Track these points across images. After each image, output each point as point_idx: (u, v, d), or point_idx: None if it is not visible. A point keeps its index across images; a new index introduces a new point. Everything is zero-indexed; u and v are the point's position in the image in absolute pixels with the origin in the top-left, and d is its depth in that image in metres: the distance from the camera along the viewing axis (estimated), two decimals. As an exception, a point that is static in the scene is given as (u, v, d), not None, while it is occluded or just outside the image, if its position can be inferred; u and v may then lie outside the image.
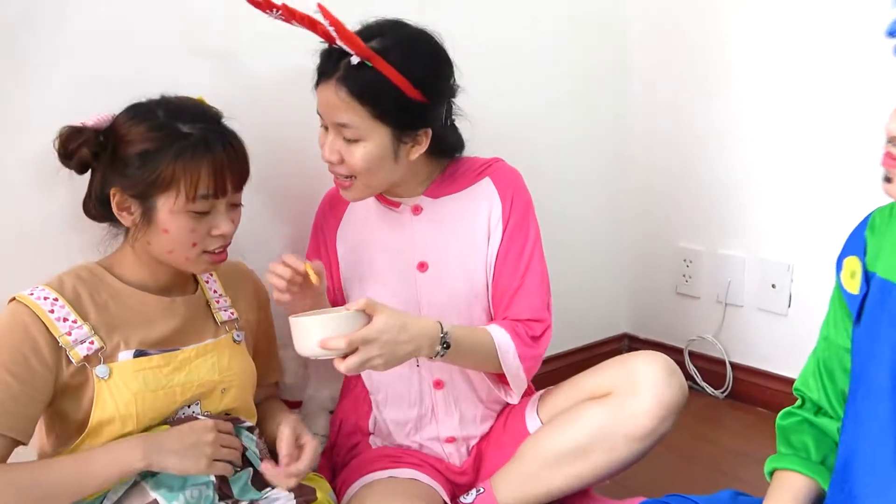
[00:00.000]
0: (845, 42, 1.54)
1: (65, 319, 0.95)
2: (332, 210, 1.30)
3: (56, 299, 0.96)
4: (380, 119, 1.07)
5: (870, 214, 0.93)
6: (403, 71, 1.06)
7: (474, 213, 1.22)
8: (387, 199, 1.23)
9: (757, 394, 1.83)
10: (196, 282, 1.13)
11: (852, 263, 0.93)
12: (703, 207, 1.89)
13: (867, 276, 0.90)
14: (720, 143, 1.82)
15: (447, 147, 1.21)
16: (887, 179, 0.83)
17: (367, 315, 1.01)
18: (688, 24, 1.84)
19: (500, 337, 1.15)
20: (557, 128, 1.87)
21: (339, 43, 1.04)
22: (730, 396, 1.89)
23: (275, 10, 1.06)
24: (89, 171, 1.03)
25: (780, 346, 1.77)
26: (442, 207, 1.22)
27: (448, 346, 1.07)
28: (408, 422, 1.27)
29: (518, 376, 1.18)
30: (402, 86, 1.06)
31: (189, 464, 0.93)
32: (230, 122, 1.04)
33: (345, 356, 0.99)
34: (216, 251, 1.03)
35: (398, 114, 1.08)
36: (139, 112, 0.99)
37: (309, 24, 1.06)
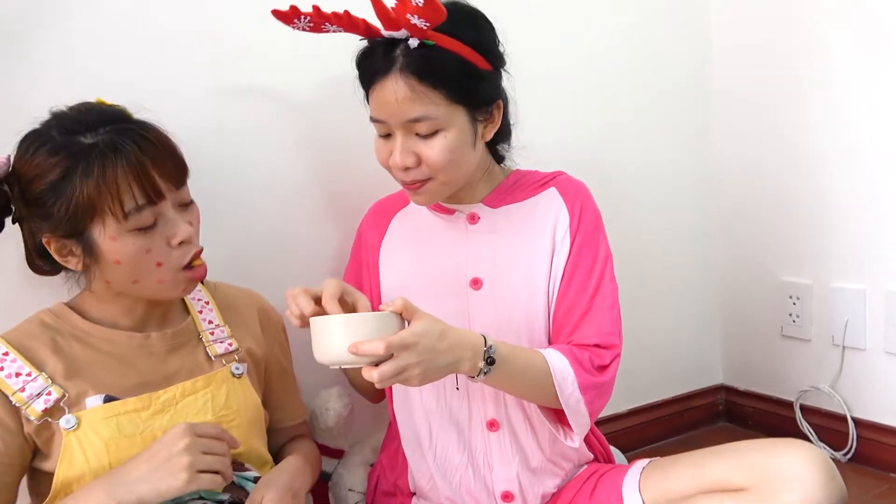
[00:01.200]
0: None
1: (17, 374, 0.85)
2: (376, 223, 1.18)
3: (6, 353, 0.86)
4: (457, 100, 0.97)
5: None
6: (466, 40, 0.95)
7: (538, 226, 1.08)
8: (441, 205, 1.11)
9: (888, 456, 1.53)
10: (187, 311, 1.01)
11: None
12: (809, 234, 1.64)
13: None
14: (825, 159, 1.59)
15: (508, 129, 1.10)
16: None
17: (402, 318, 0.86)
18: (780, 33, 1.65)
19: (557, 361, 0.98)
20: (631, 150, 1.70)
21: (387, 32, 0.94)
22: (854, 459, 1.59)
23: (302, 17, 0.96)
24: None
25: (916, 398, 1.48)
26: (501, 217, 1.09)
27: (493, 362, 0.91)
28: (456, 470, 1.09)
29: (578, 410, 0.99)
30: (469, 57, 0.96)
31: (165, 485, 0.78)
32: (143, 113, 0.90)
33: (376, 363, 0.82)
34: (192, 264, 0.90)
35: (473, 89, 0.98)
36: (33, 140, 0.85)
37: (347, 22, 0.95)
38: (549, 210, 1.08)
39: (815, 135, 1.60)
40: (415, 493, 1.14)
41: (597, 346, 1.02)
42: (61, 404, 0.86)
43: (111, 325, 0.93)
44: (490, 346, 0.92)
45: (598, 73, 1.63)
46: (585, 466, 1.13)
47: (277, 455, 1.07)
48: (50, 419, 0.85)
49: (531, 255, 1.07)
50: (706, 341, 1.88)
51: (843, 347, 1.60)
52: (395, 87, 0.94)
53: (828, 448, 1.63)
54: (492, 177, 1.11)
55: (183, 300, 1.02)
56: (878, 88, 1.48)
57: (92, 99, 0.93)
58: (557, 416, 1.04)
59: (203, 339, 0.98)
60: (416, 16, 0.90)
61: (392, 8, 0.92)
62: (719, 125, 1.80)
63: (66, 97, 0.91)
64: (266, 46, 1.21)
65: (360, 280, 1.17)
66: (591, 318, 1.03)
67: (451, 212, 1.10)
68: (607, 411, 1.69)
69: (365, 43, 1.00)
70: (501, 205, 1.10)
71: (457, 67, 0.95)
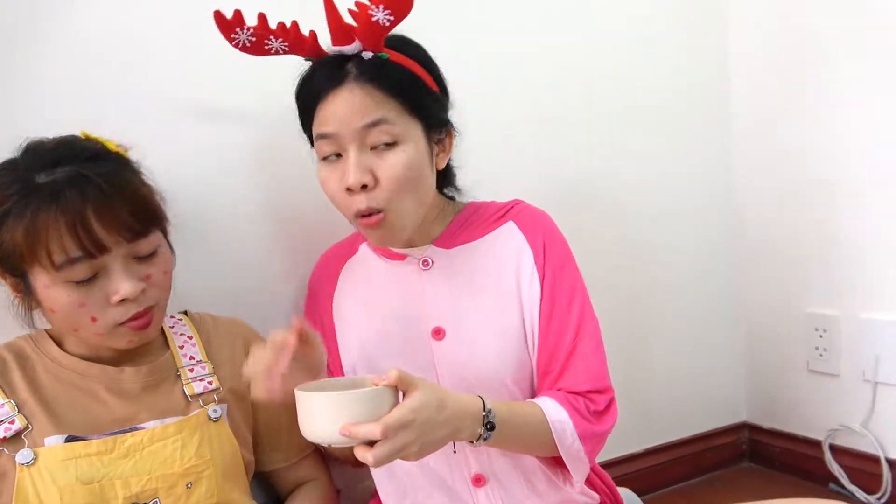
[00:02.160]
0: None
1: None
2: (324, 274, 1.09)
3: None
4: (413, 113, 0.91)
5: None
6: (416, 59, 0.93)
7: (498, 265, 1.00)
8: (391, 250, 1.03)
9: (929, 502, 1.42)
10: (167, 344, 0.95)
11: None
12: (836, 263, 1.56)
13: None
14: (852, 186, 1.51)
15: (452, 170, 1.05)
16: None
17: (397, 390, 0.79)
18: (803, 56, 1.59)
19: (555, 413, 0.92)
20: (653, 180, 1.63)
21: (335, 48, 0.90)
22: (891, 502, 1.48)
23: (245, 29, 0.90)
24: None
25: (957, 438, 1.38)
26: (457, 259, 1.00)
27: (493, 428, 0.85)
28: None
29: (579, 459, 0.93)
30: (420, 73, 0.93)
31: None
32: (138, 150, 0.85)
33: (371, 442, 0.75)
34: (132, 319, 0.84)
35: (428, 106, 0.94)
36: (1, 168, 0.82)
37: (294, 37, 0.91)
38: (509, 246, 1.00)
39: (840, 163, 1.53)
40: None
41: (589, 391, 0.95)
42: (23, 436, 0.80)
43: (89, 356, 0.87)
44: (489, 411, 0.85)
45: (622, 105, 1.58)
46: None
47: (290, 499, 1.00)
48: (7, 450, 0.79)
49: (496, 298, 0.98)
50: (728, 376, 1.78)
51: (875, 383, 1.50)
52: (351, 95, 0.88)
53: (861, 491, 1.52)
54: (444, 216, 1.03)
55: (163, 332, 0.96)
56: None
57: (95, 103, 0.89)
58: (555, 460, 0.96)
59: (181, 377, 0.92)
60: (381, 7, 0.85)
61: (355, 5, 0.87)
62: (741, 154, 1.73)
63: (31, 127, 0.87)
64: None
65: (336, 352, 1.06)
66: (577, 360, 0.96)
67: (401, 257, 1.02)
68: (621, 451, 1.61)
69: (302, 70, 0.95)
70: (455, 245, 1.01)
71: (411, 81, 0.92)
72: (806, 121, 1.59)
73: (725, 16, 1.72)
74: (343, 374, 1.04)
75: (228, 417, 0.94)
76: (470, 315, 0.98)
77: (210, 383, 0.93)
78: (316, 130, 0.92)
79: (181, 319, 1.00)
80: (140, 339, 0.86)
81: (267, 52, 0.93)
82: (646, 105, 1.62)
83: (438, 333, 0.98)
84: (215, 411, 0.91)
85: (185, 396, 0.91)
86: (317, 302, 1.09)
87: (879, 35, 1.44)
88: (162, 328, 0.97)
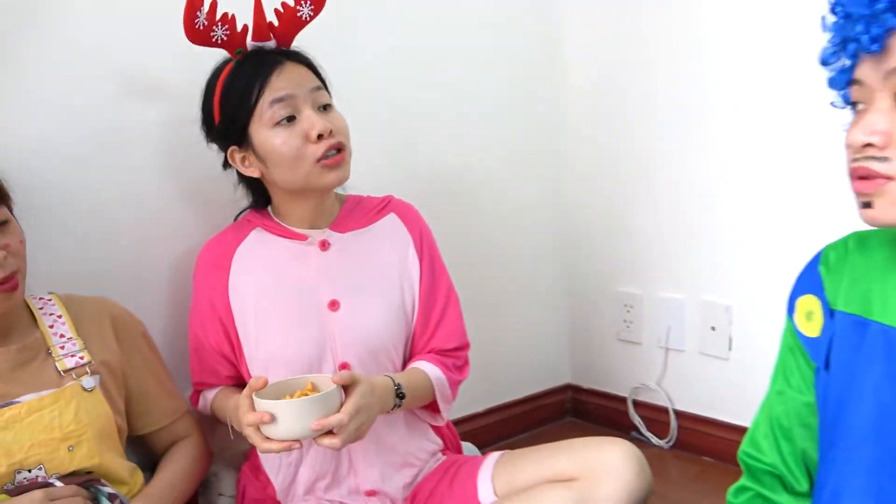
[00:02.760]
0: (785, 84, 1.56)
1: None
2: (214, 265, 1.19)
3: None
4: (326, 88, 1.16)
5: (820, 252, 0.88)
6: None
7: (386, 250, 1.21)
8: (293, 231, 1.18)
9: (702, 442, 1.77)
10: (36, 325, 1.01)
11: (809, 303, 0.86)
12: (641, 250, 1.87)
13: (831, 314, 0.83)
14: (654, 188, 1.82)
15: None
16: (866, 205, 0.73)
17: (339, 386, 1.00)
18: (626, 67, 1.86)
19: (433, 372, 1.17)
20: (492, 171, 1.86)
21: (254, 42, 1.12)
22: (675, 446, 1.83)
23: (202, 12, 1.05)
24: None
25: (723, 392, 1.73)
26: (350, 243, 1.20)
27: (403, 397, 1.09)
28: (325, 476, 1.17)
29: (449, 401, 1.21)
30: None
31: None
32: None
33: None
34: (1, 283, 0.91)
35: (328, 90, 1.17)
36: None
37: (232, 27, 1.10)
38: (395, 234, 1.22)
39: (646, 164, 1.83)
40: (281, 502, 1.20)
41: (455, 349, 1.21)
42: None
43: None
44: (398, 385, 1.08)
45: (469, 104, 1.78)
46: (442, 458, 1.26)
47: (163, 456, 1.10)
48: None
49: (383, 277, 1.19)
50: (555, 345, 2.06)
51: (667, 349, 1.83)
52: (296, 67, 1.10)
53: (654, 437, 1.86)
54: (336, 203, 1.22)
55: (32, 314, 1.02)
56: (698, 122, 1.72)
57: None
58: (430, 404, 1.20)
59: (52, 354, 0.99)
60: (308, 4, 1.11)
61: (281, 6, 1.11)
62: (571, 153, 1.99)
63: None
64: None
65: (224, 330, 1.17)
66: (446, 324, 1.22)
67: (303, 237, 1.17)
68: (467, 411, 1.83)
69: (218, 64, 1.13)
70: (348, 230, 1.20)
71: (317, 67, 1.15)
72: (626, 131, 1.87)
73: (559, 38, 1.95)
74: (242, 350, 1.16)
75: (101, 388, 1.01)
76: (361, 291, 1.17)
77: (82, 358, 1.00)
78: (271, 97, 1.08)
79: (50, 300, 1.06)
80: (9, 303, 0.92)
81: (209, 40, 1.08)
82: (492, 110, 1.83)
83: (334, 305, 1.15)
84: (89, 381, 0.99)
85: (58, 372, 0.98)
86: (211, 293, 1.18)
87: (691, 53, 1.73)
88: (31, 309, 1.03)
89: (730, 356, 1.71)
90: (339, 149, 1.10)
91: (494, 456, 1.22)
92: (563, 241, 2.03)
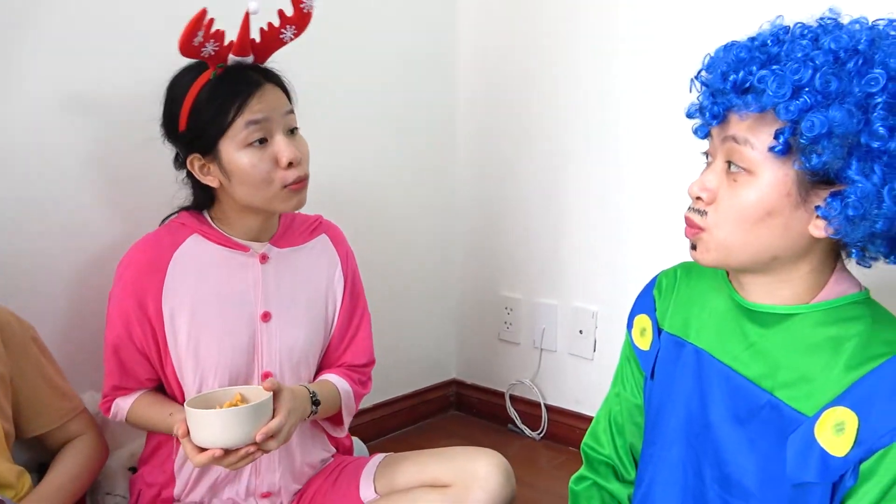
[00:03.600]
0: (656, 111, 1.70)
1: None
2: (150, 266, 1.17)
3: None
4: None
5: (656, 277, 1.03)
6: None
7: (317, 269, 1.28)
8: (235, 242, 1.21)
9: (569, 434, 1.93)
10: None
11: (643, 321, 1.01)
12: (520, 258, 2.01)
13: (659, 333, 0.98)
14: (533, 201, 1.96)
15: None
16: (693, 246, 0.86)
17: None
18: (514, 81, 1.98)
19: (343, 386, 1.26)
20: (389, 177, 1.94)
21: (236, 56, 1.11)
22: (545, 437, 1.99)
23: (205, 33, 1.05)
24: None
25: (588, 389, 1.91)
26: (287, 258, 1.25)
27: (318, 404, 1.16)
28: (231, 477, 1.22)
29: (353, 413, 1.29)
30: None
31: None
32: None
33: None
34: None
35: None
36: None
37: (222, 45, 1.09)
38: (325, 255, 1.30)
39: (524, 178, 1.97)
40: (178, 500, 1.23)
41: (364, 364, 1.31)
42: None
43: None
44: (314, 393, 1.16)
45: (367, 112, 1.84)
46: (332, 459, 1.35)
47: (52, 463, 1.11)
48: None
49: (312, 295, 1.27)
50: (443, 343, 2.18)
51: (541, 350, 2.00)
52: (274, 90, 1.13)
53: (528, 429, 2.03)
54: (275, 219, 1.26)
55: None
56: (569, 137, 1.86)
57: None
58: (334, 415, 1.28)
59: None
60: (290, 27, 1.12)
61: (267, 26, 1.11)
62: (461, 161, 2.10)
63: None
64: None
65: (153, 332, 1.16)
66: (358, 342, 1.31)
67: (245, 248, 1.21)
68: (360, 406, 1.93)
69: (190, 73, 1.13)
70: (286, 246, 1.26)
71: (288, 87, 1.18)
72: (508, 141, 2.00)
73: (454, 46, 2.07)
74: (168, 354, 1.17)
75: None
76: (292, 305, 1.24)
77: None
78: (248, 118, 1.09)
79: None
80: None
81: (198, 54, 1.07)
82: (385, 114, 1.90)
83: (266, 317, 1.21)
84: None
85: None
86: (142, 294, 1.15)
87: (568, 66, 1.88)
88: None
89: (594, 357, 1.89)
90: (304, 178, 1.16)
91: (378, 457, 1.32)
92: (452, 247, 2.14)
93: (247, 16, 1.07)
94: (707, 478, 0.89)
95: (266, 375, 1.20)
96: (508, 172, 2.02)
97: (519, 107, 1.97)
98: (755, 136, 0.76)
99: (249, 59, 1.13)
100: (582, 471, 1.07)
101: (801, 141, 0.73)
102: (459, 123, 2.10)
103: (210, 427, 0.97)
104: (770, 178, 0.76)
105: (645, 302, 1.02)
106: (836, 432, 0.76)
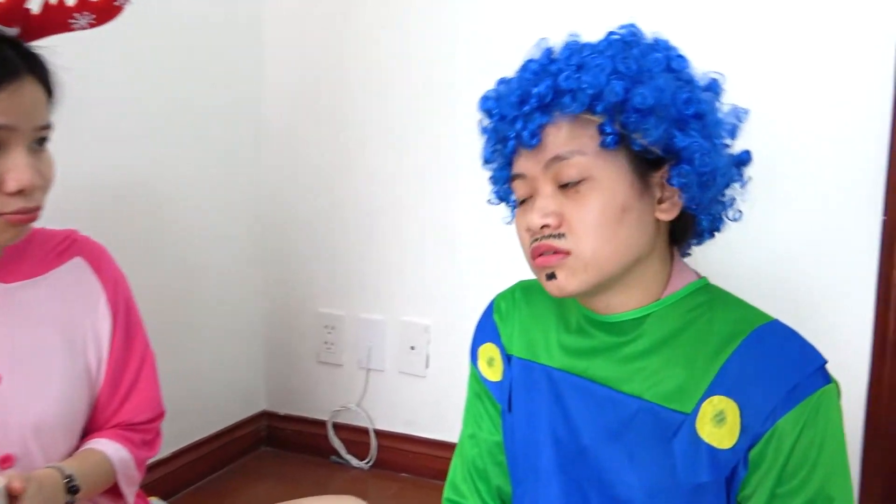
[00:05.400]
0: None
1: None
2: None
3: None
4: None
5: (493, 302, 0.95)
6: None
7: (69, 304, 0.95)
8: None
9: (401, 460, 1.81)
10: None
11: (489, 350, 0.93)
12: (341, 270, 1.85)
13: (509, 360, 0.90)
14: (347, 205, 1.81)
15: None
16: (551, 276, 0.78)
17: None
18: (324, 87, 1.82)
19: (118, 455, 0.97)
20: (174, 185, 1.66)
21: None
22: (375, 466, 1.84)
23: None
24: None
25: (421, 409, 1.79)
26: (19, 297, 0.91)
27: (77, 490, 0.88)
28: None
29: (135, 483, 1.02)
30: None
31: None
32: None
33: None
34: None
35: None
36: None
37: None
38: (81, 284, 0.97)
39: (344, 185, 1.81)
40: None
41: (147, 421, 1.02)
42: None
43: None
44: (69, 476, 0.87)
45: (154, 104, 1.55)
46: None
47: None
48: None
49: (63, 338, 0.94)
50: (250, 371, 1.93)
51: (368, 370, 1.84)
52: (32, 89, 0.80)
53: (355, 458, 1.85)
54: None
55: None
56: (386, 141, 1.75)
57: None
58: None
59: None
60: (89, 14, 0.84)
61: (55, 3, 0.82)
62: (267, 166, 1.89)
63: None
64: None
65: None
66: (139, 392, 1.02)
67: None
68: (150, 460, 1.60)
69: None
70: (15, 280, 0.91)
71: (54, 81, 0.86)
72: (322, 144, 1.82)
73: (261, 49, 1.84)
74: None
75: None
76: (32, 358, 0.90)
77: None
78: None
79: None
80: None
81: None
82: (183, 113, 1.64)
83: None
84: None
85: None
86: None
87: (384, 73, 1.75)
88: None
89: (427, 374, 1.77)
90: (35, 209, 0.83)
91: None
92: (261, 259, 1.91)
93: None
94: None
95: (6, 460, 0.88)
96: (319, 176, 1.84)
97: (331, 108, 1.81)
98: (579, 143, 0.75)
99: (13, 31, 0.81)
100: None
101: (629, 124, 0.74)
102: (265, 123, 1.88)
103: None
104: (610, 174, 0.75)
105: (486, 329, 0.95)
106: (716, 423, 0.74)
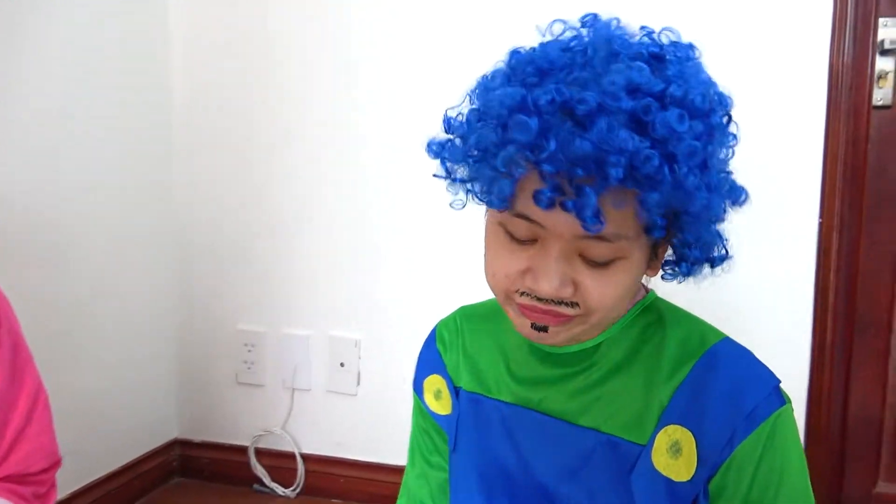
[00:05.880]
0: (405, 121, 1.56)
1: None
2: None
3: None
4: None
5: (435, 330, 0.86)
6: None
7: None
8: None
9: (331, 485, 1.69)
10: None
11: (435, 382, 0.85)
12: (265, 284, 1.70)
13: (457, 393, 0.82)
14: (279, 219, 1.67)
15: None
16: (542, 329, 0.67)
17: None
18: (238, 94, 1.68)
19: None
20: (94, 203, 1.50)
21: None
22: (303, 493, 1.71)
23: None
24: None
25: (353, 429, 1.67)
26: None
27: None
28: None
29: None
30: None
31: None
32: None
33: None
34: None
35: None
36: None
37: None
38: None
39: (271, 195, 1.67)
40: None
41: (43, 470, 0.89)
42: None
43: None
44: None
45: (64, 122, 1.39)
46: None
47: None
48: None
49: None
50: (159, 397, 1.75)
51: (293, 389, 1.70)
52: None
53: (280, 486, 1.70)
54: None
55: None
56: (311, 148, 1.63)
57: None
58: None
59: None
60: None
61: None
62: (177, 176, 1.72)
63: None
64: None
65: None
66: (30, 440, 0.89)
67: None
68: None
69: None
70: None
71: None
72: (241, 156, 1.68)
73: (167, 58, 1.68)
74: None
75: None
76: None
77: None
78: None
79: None
80: None
81: None
82: (94, 132, 1.48)
83: None
84: None
85: None
86: None
87: (297, 81, 1.63)
88: None
89: (358, 392, 1.66)
90: None
91: None
92: (172, 274, 1.74)
93: None
94: None
95: None
96: (238, 185, 1.69)
97: (245, 114, 1.67)
98: (624, 225, 0.61)
99: None
100: None
101: (677, 223, 0.66)
102: (175, 130, 1.72)
103: None
104: (640, 254, 0.66)
105: (430, 360, 0.86)
106: (672, 455, 0.70)
